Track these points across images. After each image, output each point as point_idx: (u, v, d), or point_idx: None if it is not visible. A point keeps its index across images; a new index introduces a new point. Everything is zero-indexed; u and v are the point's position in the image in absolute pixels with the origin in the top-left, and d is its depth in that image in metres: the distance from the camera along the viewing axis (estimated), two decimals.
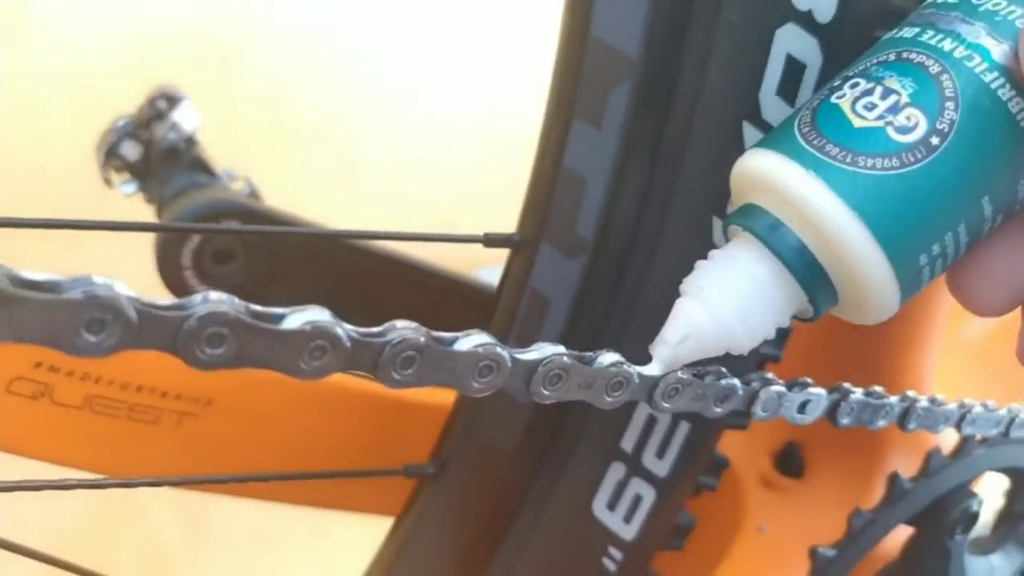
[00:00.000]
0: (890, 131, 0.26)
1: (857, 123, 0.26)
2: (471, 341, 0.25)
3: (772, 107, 0.34)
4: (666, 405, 0.29)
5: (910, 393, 0.38)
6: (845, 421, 0.35)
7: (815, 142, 0.27)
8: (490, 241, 0.37)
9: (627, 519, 0.40)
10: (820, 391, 0.34)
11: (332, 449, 0.45)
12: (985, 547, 0.50)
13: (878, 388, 0.37)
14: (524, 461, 0.40)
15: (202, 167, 0.54)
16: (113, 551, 0.88)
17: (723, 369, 0.31)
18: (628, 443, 0.39)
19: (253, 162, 0.60)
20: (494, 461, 0.40)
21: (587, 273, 0.37)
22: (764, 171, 0.28)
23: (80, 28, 0.88)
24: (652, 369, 0.29)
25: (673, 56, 0.34)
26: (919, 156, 0.26)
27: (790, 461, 0.50)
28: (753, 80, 0.33)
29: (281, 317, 0.22)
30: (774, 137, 0.28)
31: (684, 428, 0.39)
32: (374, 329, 0.23)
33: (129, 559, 0.90)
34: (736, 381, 0.31)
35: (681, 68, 0.34)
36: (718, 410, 0.31)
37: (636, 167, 0.35)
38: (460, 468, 0.41)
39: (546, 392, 0.26)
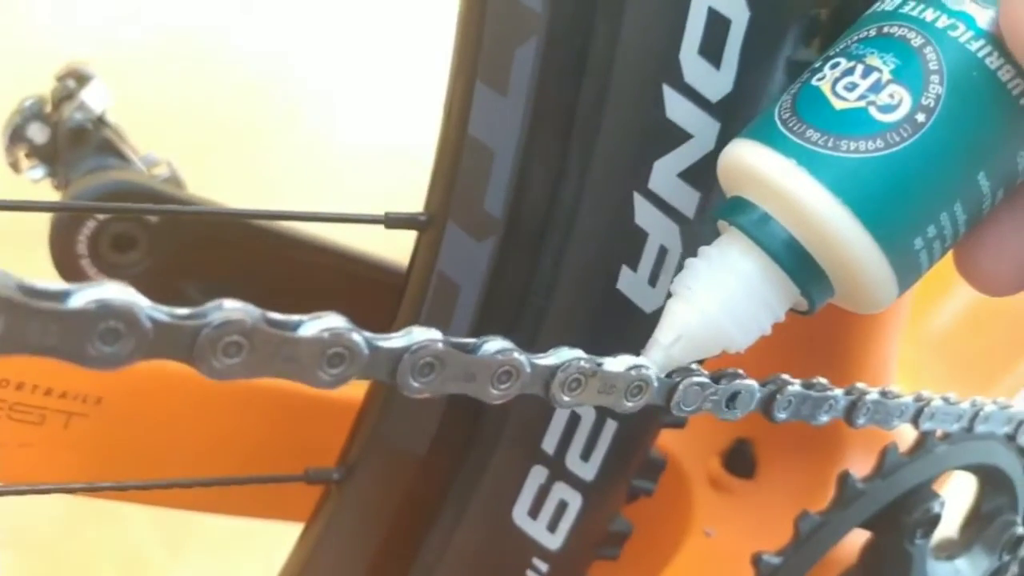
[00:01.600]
0: (873, 111, 0.24)
1: (838, 105, 0.25)
2: (318, 325, 0.21)
3: (694, 68, 0.30)
4: (566, 399, 0.26)
5: (859, 385, 0.35)
6: (782, 416, 0.32)
7: (795, 128, 0.25)
8: (391, 222, 0.34)
9: (551, 528, 0.37)
10: (751, 383, 0.30)
11: (237, 452, 0.41)
12: (951, 551, 0.47)
13: (821, 380, 0.33)
14: (437, 466, 0.36)
15: (112, 149, 0.50)
16: (90, 553, 0.86)
17: (639, 360, 0.27)
18: (549, 445, 0.35)
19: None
20: (404, 466, 0.36)
21: (498, 255, 0.33)
22: (744, 162, 0.26)
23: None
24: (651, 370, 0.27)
25: (584, 11, 0.30)
26: (905, 135, 0.24)
27: (741, 460, 0.46)
28: (672, 38, 0.30)
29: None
30: (755, 125, 0.27)
31: (611, 427, 0.35)
32: (188, 311, 0.20)
33: (107, 561, 0.87)
34: (650, 372, 0.27)
35: (593, 24, 0.30)
36: (629, 404, 0.27)
37: (548, 136, 0.32)
38: (368, 473, 0.37)
39: (416, 384, 0.23)
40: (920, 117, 0.24)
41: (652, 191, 0.32)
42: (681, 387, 0.28)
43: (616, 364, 0.27)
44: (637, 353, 0.28)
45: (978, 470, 0.45)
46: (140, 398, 0.39)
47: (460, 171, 0.33)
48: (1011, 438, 0.45)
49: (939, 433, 0.41)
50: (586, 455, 0.35)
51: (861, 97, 0.25)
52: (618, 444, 0.36)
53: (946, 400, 0.39)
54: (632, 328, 0.34)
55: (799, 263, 0.26)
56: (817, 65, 0.27)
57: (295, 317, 0.21)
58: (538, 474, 0.36)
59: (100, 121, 0.51)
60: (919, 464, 0.40)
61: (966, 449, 0.42)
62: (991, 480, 0.47)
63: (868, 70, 0.25)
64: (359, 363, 0.22)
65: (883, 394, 0.35)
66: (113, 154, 0.50)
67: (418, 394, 0.23)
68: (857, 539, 0.43)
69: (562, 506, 0.36)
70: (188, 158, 0.56)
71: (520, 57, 0.31)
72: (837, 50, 0.27)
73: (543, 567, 0.37)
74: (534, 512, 0.36)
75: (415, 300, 0.35)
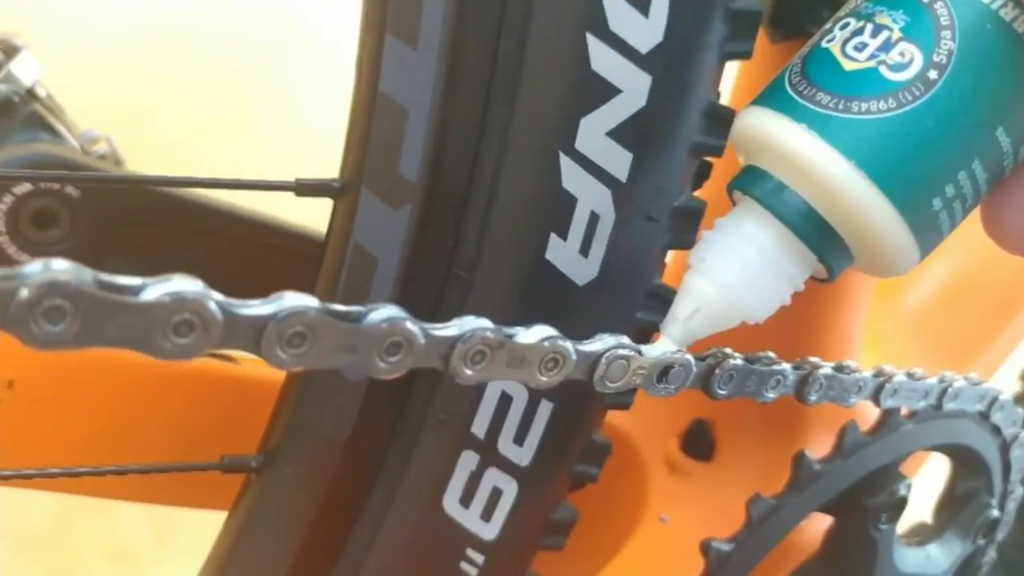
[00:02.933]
0: (883, 70, 0.24)
1: (848, 66, 0.24)
2: (160, 289, 0.19)
3: (621, 16, 0.28)
4: (469, 372, 0.23)
5: (811, 359, 0.32)
6: (723, 392, 0.30)
7: (805, 92, 0.25)
8: (302, 189, 0.31)
9: (486, 516, 0.34)
10: (686, 356, 0.28)
11: (158, 438, 0.38)
12: (923, 536, 0.45)
13: (768, 353, 0.31)
14: (361, 452, 0.34)
15: (42, 123, 0.47)
16: (81, 545, 0.86)
17: (554, 331, 0.25)
18: (479, 428, 0.33)
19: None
20: (326, 452, 0.34)
21: (417, 223, 0.31)
22: (755, 130, 0.26)
23: None
24: (664, 347, 0.27)
25: None
26: (917, 93, 0.24)
27: (699, 441, 0.44)
28: None
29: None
30: (766, 92, 0.26)
31: (546, 408, 0.33)
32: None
33: (98, 553, 0.87)
34: (568, 344, 0.25)
35: None
36: (544, 379, 0.25)
37: (465, 92, 0.29)
38: (288, 461, 0.34)
39: (284, 356, 0.20)
40: (932, 74, 0.24)
41: (579, 152, 0.29)
42: (604, 360, 0.26)
43: (528, 335, 0.24)
44: (569, 331, 0.26)
45: (950, 450, 0.43)
46: (54, 382, 0.37)
47: (373, 132, 0.30)
48: (984, 416, 0.42)
49: (905, 411, 0.38)
50: (520, 439, 0.33)
51: (871, 57, 0.24)
52: (555, 427, 0.33)
53: (911, 375, 0.36)
54: (564, 302, 0.31)
55: (816, 231, 0.25)
56: (828, 27, 0.26)
57: (137, 280, 0.19)
58: (468, 460, 0.33)
59: (29, 94, 0.48)
60: (882, 444, 0.37)
61: (935, 428, 0.40)
62: (964, 461, 0.44)
63: (878, 29, 0.24)
64: (214, 332, 0.19)
65: (838, 368, 0.33)
66: (43, 128, 0.48)
67: (289, 367, 0.20)
68: (821, 525, 0.40)
69: (496, 493, 0.34)
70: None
71: (430, 6, 0.28)
72: (847, 11, 0.26)
73: (478, 559, 0.35)
74: (466, 500, 0.34)
75: (331, 275, 0.32)
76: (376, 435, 0.34)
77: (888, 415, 0.37)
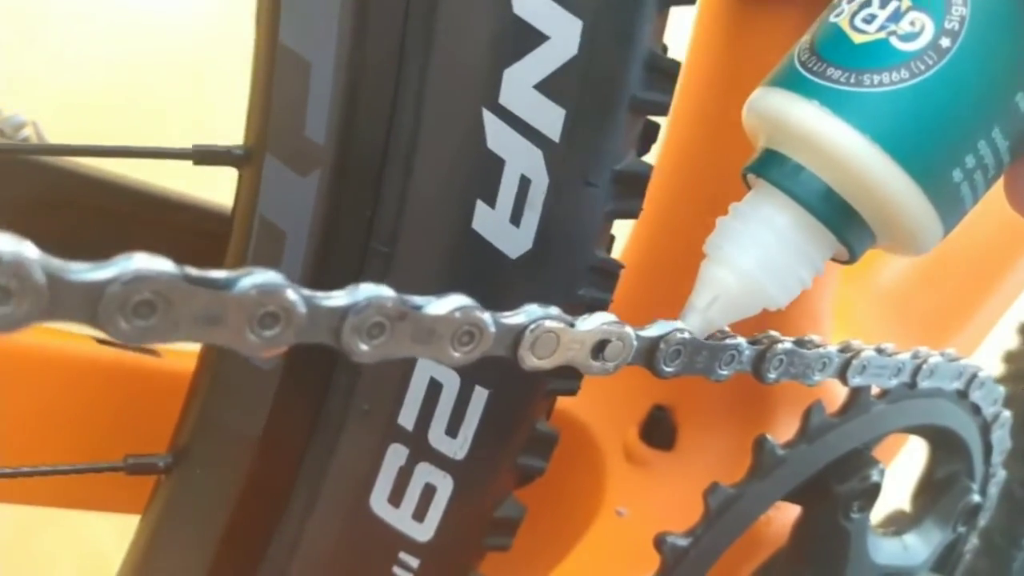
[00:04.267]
0: (894, 41, 0.23)
1: (858, 39, 0.24)
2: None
3: None
4: (364, 348, 0.20)
5: (770, 333, 0.30)
6: (670, 370, 0.27)
7: (815, 68, 0.24)
8: (201, 156, 0.28)
9: (419, 516, 0.31)
10: (625, 330, 0.25)
11: (67, 437, 0.35)
12: (900, 525, 0.42)
13: (724, 330, 0.28)
14: (278, 448, 0.31)
15: None
16: (50, 553, 0.84)
17: (469, 301, 0.22)
18: (407, 419, 0.30)
19: None
20: (239, 449, 0.30)
21: (328, 192, 0.28)
22: (767, 110, 0.25)
23: None
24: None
25: None
26: (930, 62, 0.23)
27: (660, 429, 0.41)
28: None
29: None
30: (776, 71, 0.26)
31: (481, 396, 0.30)
32: None
33: (67, 560, 0.85)
34: (486, 315, 0.22)
35: None
36: (458, 356, 0.22)
37: (374, 41, 0.26)
38: (199, 459, 0.31)
39: (127, 327, 0.17)
40: (945, 42, 0.23)
41: (504, 107, 0.26)
42: (529, 333, 0.23)
43: (437, 306, 0.21)
44: (503, 308, 0.23)
45: (926, 432, 0.40)
46: None
47: (275, 91, 0.27)
48: (963, 395, 0.39)
49: (876, 390, 0.35)
50: (453, 430, 0.30)
51: (881, 28, 0.23)
52: (492, 416, 0.30)
53: (880, 351, 0.33)
54: (496, 277, 0.28)
55: (835, 211, 0.24)
56: (836, 1, 0.25)
57: None
58: (396, 454, 0.30)
59: None
60: (852, 426, 0.35)
61: (909, 408, 0.37)
62: (943, 443, 0.42)
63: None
64: (37, 300, 0.16)
65: (799, 343, 0.30)
66: None
67: (135, 342, 0.17)
68: (790, 515, 0.38)
69: (429, 491, 0.31)
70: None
71: None
72: None
73: (413, 562, 0.32)
74: (395, 499, 0.31)
75: (238, 253, 0.29)
76: (294, 429, 0.31)
77: (857, 394, 0.35)
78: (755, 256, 0.26)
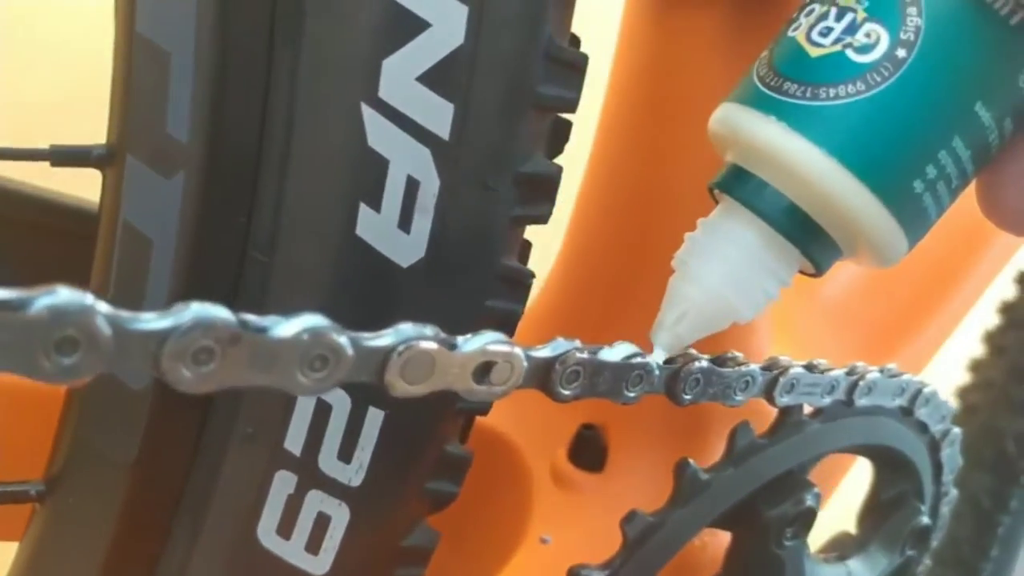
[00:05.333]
0: (850, 53, 0.23)
1: (814, 53, 0.24)
2: None
3: None
4: (188, 375, 0.18)
5: (689, 351, 0.27)
6: (567, 393, 0.24)
7: (773, 83, 0.24)
8: (59, 157, 0.26)
9: (312, 549, 0.29)
10: (512, 350, 0.23)
11: None
12: (844, 549, 0.40)
13: (626, 343, 0.26)
14: (155, 475, 0.28)
15: None
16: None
17: (322, 320, 0.20)
18: (294, 443, 0.27)
19: None
20: (113, 476, 0.28)
21: (195, 195, 0.25)
22: (726, 125, 0.25)
23: None
24: (656, 357, 0.26)
25: None
26: (886, 74, 0.23)
27: (589, 450, 0.39)
28: None
29: None
30: (737, 88, 0.26)
31: (376, 417, 0.27)
32: None
33: None
34: (342, 337, 0.20)
35: None
36: (306, 383, 0.19)
37: (239, 28, 0.24)
38: (73, 487, 0.29)
39: None
40: (900, 53, 0.23)
41: (385, 102, 0.24)
42: (398, 357, 0.21)
43: (282, 327, 0.19)
44: (395, 320, 0.21)
45: (869, 452, 0.38)
46: None
47: (134, 84, 0.25)
48: (907, 412, 0.37)
49: (809, 409, 0.33)
50: (346, 455, 0.28)
51: (837, 40, 0.23)
52: (390, 439, 0.28)
53: (811, 368, 0.31)
54: (387, 289, 0.26)
55: (798, 227, 0.24)
56: (794, 15, 0.25)
57: None
58: (284, 482, 0.28)
59: None
60: (783, 448, 0.32)
61: (847, 427, 0.35)
62: (888, 463, 0.39)
63: (842, 12, 0.23)
64: None
65: (718, 361, 0.28)
66: None
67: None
68: (727, 541, 0.35)
69: (323, 520, 0.28)
70: None
71: None
72: None
73: None
74: (285, 530, 0.28)
75: (105, 262, 0.27)
76: (172, 455, 0.28)
77: (788, 414, 0.32)
78: (722, 272, 0.25)
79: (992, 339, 0.83)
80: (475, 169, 0.26)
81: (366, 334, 0.20)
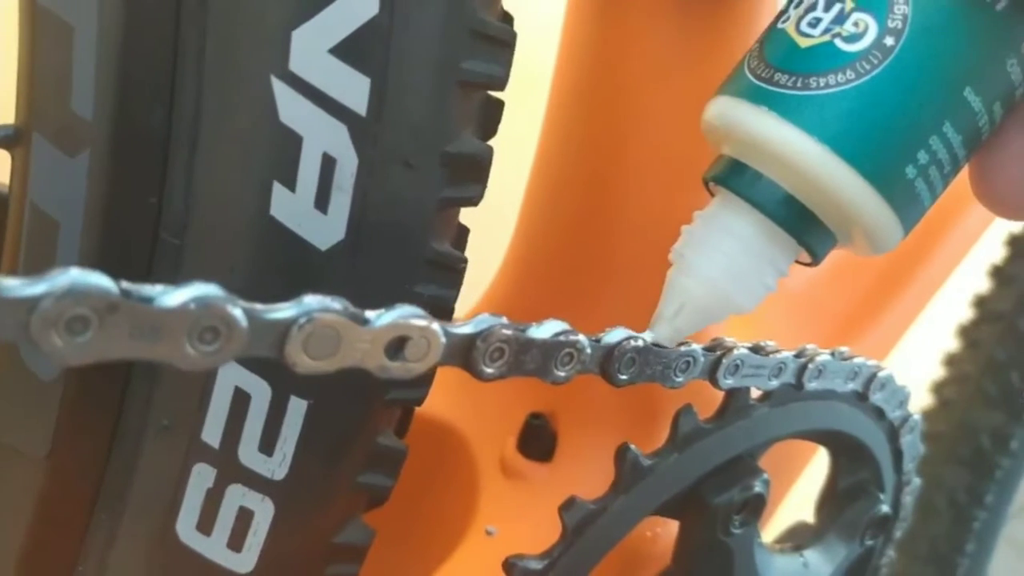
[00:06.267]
0: (838, 43, 0.24)
1: (803, 43, 0.24)
2: None
3: None
4: (60, 344, 0.17)
5: (618, 329, 0.26)
6: (490, 371, 0.23)
7: (763, 74, 0.24)
8: None
9: (235, 546, 0.28)
10: (430, 326, 0.22)
11: None
12: (800, 539, 0.39)
13: (555, 321, 0.25)
14: (69, 468, 0.27)
15: None
16: None
17: (214, 289, 0.19)
18: (212, 435, 0.26)
19: None
20: (24, 469, 0.27)
21: (102, 175, 0.24)
22: (719, 117, 0.26)
23: None
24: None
25: None
26: (875, 62, 0.23)
27: (538, 439, 0.38)
28: None
29: None
30: (728, 79, 0.26)
31: (299, 407, 0.26)
32: None
33: None
34: (235, 309, 0.19)
35: None
36: (195, 356, 0.18)
37: (144, 0, 0.23)
38: None
39: None
40: (888, 41, 0.23)
41: (296, 75, 0.23)
42: (299, 330, 0.20)
43: (168, 296, 0.18)
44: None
45: (823, 438, 0.37)
46: None
47: (37, 58, 0.24)
48: (861, 397, 0.37)
49: (757, 393, 0.32)
50: (268, 447, 0.27)
51: (825, 31, 0.24)
52: (315, 430, 0.27)
53: (756, 349, 0.31)
54: (305, 273, 0.25)
55: (794, 216, 0.25)
56: (784, 7, 0.25)
57: None
58: (203, 475, 0.27)
59: None
60: (729, 433, 0.31)
61: (798, 412, 0.34)
62: (844, 450, 0.39)
63: (830, 2, 0.24)
64: None
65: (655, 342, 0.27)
66: None
67: None
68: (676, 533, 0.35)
69: (245, 516, 0.27)
70: None
71: None
72: None
73: None
74: (205, 526, 0.27)
75: (14, 245, 0.26)
76: (87, 448, 0.27)
77: (734, 397, 0.31)
78: (719, 264, 0.26)
79: (966, 333, 0.83)
80: (396, 147, 0.25)
81: (263, 305, 0.19)
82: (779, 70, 0.24)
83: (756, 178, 0.25)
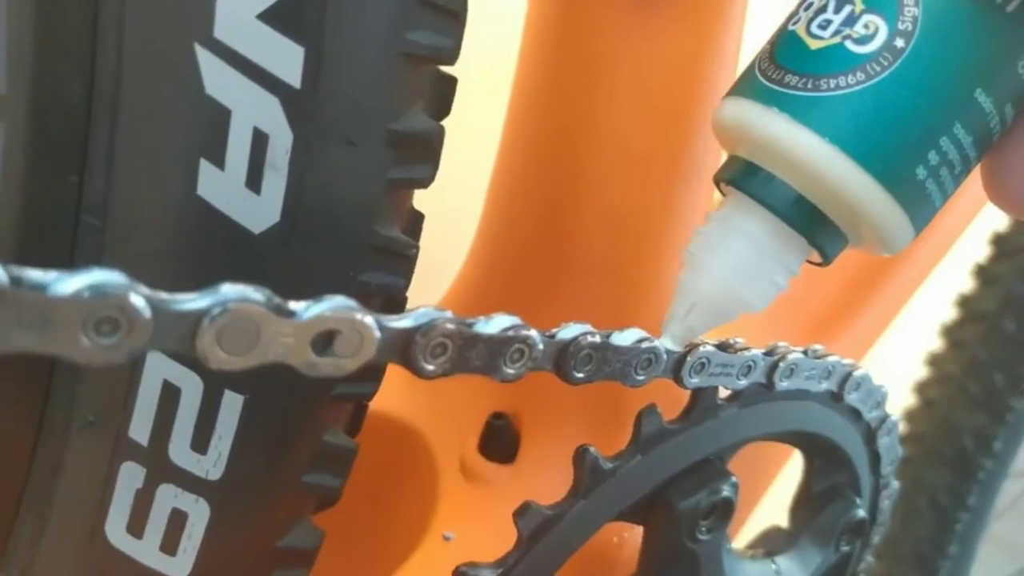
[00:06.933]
0: (849, 44, 0.24)
1: (814, 45, 0.24)
2: None
3: None
4: None
5: (572, 325, 0.25)
6: (431, 367, 0.22)
7: (774, 76, 0.25)
8: None
9: (169, 549, 0.26)
10: (362, 319, 0.20)
11: None
12: (773, 545, 0.37)
13: (503, 315, 0.23)
14: None
15: None
16: None
17: (115, 276, 0.17)
18: (140, 432, 0.24)
19: None
20: None
21: (18, 150, 0.22)
22: (730, 119, 0.26)
23: None
24: (665, 344, 0.27)
25: None
26: (885, 64, 0.23)
27: (500, 439, 0.36)
28: None
29: None
30: (738, 81, 0.26)
31: (234, 403, 0.25)
32: None
33: None
34: (137, 299, 0.17)
35: None
36: (89, 347, 0.17)
37: None
38: None
39: None
40: (899, 43, 0.23)
41: (222, 43, 0.21)
42: (210, 323, 0.18)
43: (57, 280, 0.16)
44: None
45: (796, 440, 0.36)
46: None
47: None
48: (836, 397, 0.35)
49: (725, 392, 0.31)
50: (201, 445, 0.25)
51: (836, 32, 0.24)
52: (253, 427, 0.25)
53: (723, 347, 0.29)
54: (238, 258, 0.23)
55: (805, 217, 0.25)
56: (794, 9, 0.26)
57: None
58: (132, 474, 0.25)
59: None
60: (696, 434, 0.30)
61: (769, 413, 0.32)
62: (818, 452, 0.37)
63: (840, 4, 0.24)
64: None
65: (608, 336, 0.25)
66: None
67: None
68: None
69: (179, 518, 0.26)
70: None
71: None
72: None
73: None
74: (136, 528, 0.25)
75: None
76: (10, 445, 0.25)
77: (701, 397, 0.30)
78: (729, 264, 0.26)
79: (950, 333, 0.82)
80: (334, 122, 0.23)
81: (169, 295, 0.17)
82: (790, 71, 0.24)
83: (768, 179, 0.25)
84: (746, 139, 0.25)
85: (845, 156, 0.23)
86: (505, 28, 0.39)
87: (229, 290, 0.18)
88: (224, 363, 0.18)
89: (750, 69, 0.26)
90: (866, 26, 0.24)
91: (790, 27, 0.25)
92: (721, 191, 0.27)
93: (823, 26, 0.24)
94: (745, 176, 0.26)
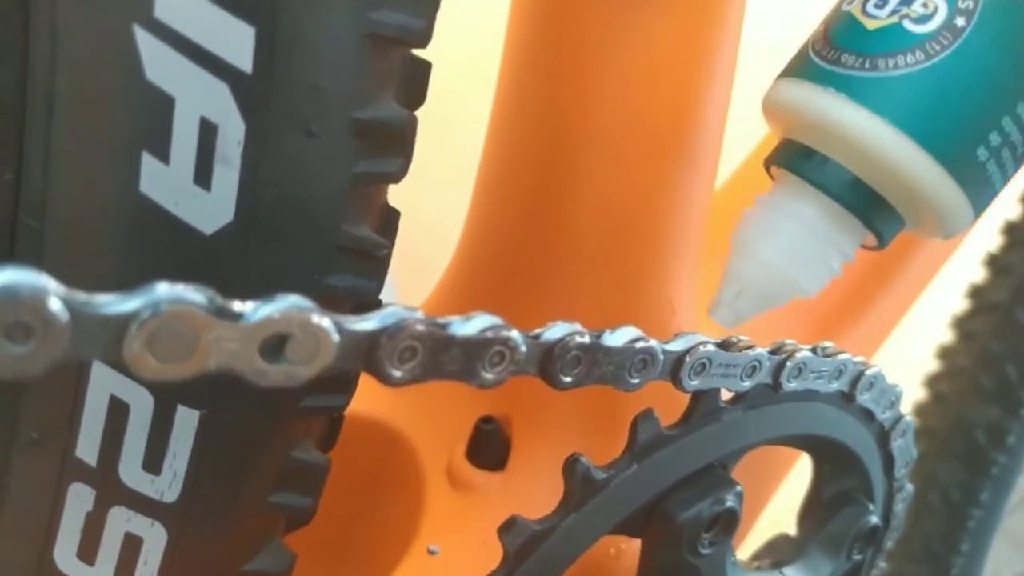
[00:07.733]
0: (907, 24, 0.23)
1: (871, 25, 0.24)
2: None
3: None
4: None
5: (559, 325, 0.23)
6: (398, 374, 0.20)
7: (830, 56, 0.24)
8: None
9: (123, 575, 0.24)
10: (320, 321, 0.18)
11: None
12: (780, 555, 0.35)
13: (482, 314, 0.21)
14: None
15: None
16: None
17: (31, 275, 0.15)
18: (88, 451, 0.22)
19: None
20: None
21: None
22: (784, 101, 0.25)
23: None
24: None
25: None
26: (945, 43, 0.23)
27: (489, 445, 0.34)
28: None
29: None
30: (792, 63, 0.26)
31: (189, 419, 0.23)
32: None
33: None
34: (55, 301, 0.15)
35: None
36: (20, 350, 0.15)
37: None
38: None
39: None
40: (959, 21, 0.23)
41: (163, 23, 0.19)
42: (138, 328, 0.16)
43: None
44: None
45: (805, 444, 0.34)
46: None
47: None
48: (847, 397, 0.33)
49: (727, 394, 0.29)
50: (154, 464, 0.23)
51: (893, 12, 0.23)
52: (211, 444, 0.23)
53: (726, 346, 0.27)
54: (185, 259, 0.21)
55: (862, 200, 0.24)
56: None
57: None
58: (80, 497, 0.23)
59: None
60: (696, 440, 0.28)
61: (776, 416, 0.30)
62: (829, 456, 0.35)
63: None
64: None
65: (598, 336, 0.23)
66: None
67: None
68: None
69: (133, 543, 0.24)
70: None
71: None
72: None
73: None
74: (87, 554, 0.23)
75: None
76: None
77: (702, 400, 0.28)
78: (781, 248, 0.25)
79: (961, 324, 0.79)
80: (292, 112, 0.21)
81: (91, 296, 0.15)
82: (846, 51, 0.24)
83: (823, 162, 0.24)
84: (801, 120, 0.25)
85: (906, 137, 0.23)
86: (493, 15, 0.37)
87: (162, 290, 0.16)
88: (158, 372, 0.16)
89: (803, 50, 0.25)
90: (924, 5, 0.23)
91: (845, 7, 0.25)
92: (771, 175, 0.26)
93: (879, 6, 0.24)
94: (798, 158, 0.25)
